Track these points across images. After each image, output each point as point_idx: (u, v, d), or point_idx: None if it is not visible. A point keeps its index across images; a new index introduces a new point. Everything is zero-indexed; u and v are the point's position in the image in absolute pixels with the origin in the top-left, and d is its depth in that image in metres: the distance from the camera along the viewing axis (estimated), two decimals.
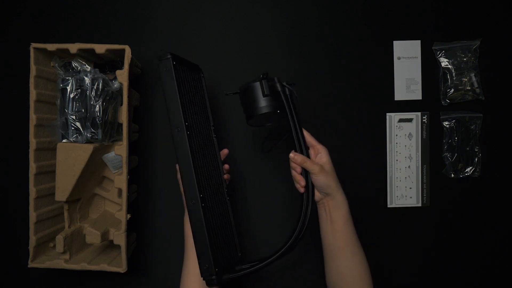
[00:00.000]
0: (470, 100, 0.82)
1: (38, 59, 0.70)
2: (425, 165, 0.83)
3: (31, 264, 0.70)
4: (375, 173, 0.82)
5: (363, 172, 0.82)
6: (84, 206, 0.78)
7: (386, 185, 0.82)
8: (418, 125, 0.82)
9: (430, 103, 0.82)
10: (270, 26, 0.82)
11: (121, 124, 0.70)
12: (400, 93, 0.82)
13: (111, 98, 0.72)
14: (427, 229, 0.82)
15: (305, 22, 0.82)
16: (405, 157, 0.82)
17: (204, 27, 0.82)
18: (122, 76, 0.68)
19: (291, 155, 0.62)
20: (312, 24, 0.82)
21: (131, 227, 0.79)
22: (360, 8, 0.82)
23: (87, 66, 0.72)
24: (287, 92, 0.62)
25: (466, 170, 0.82)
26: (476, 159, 0.82)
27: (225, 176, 0.70)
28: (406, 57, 0.82)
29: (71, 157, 0.68)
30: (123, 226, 0.69)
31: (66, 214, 0.74)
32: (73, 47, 0.69)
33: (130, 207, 0.75)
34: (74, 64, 0.72)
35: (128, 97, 0.69)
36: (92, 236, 0.70)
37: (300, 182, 0.62)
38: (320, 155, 0.61)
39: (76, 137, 0.70)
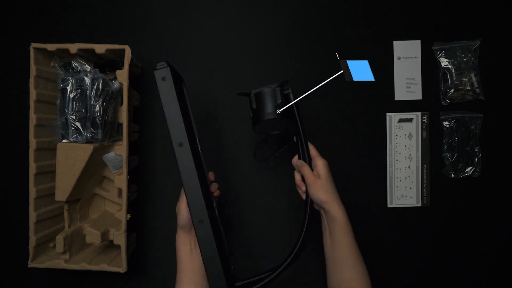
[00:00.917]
0: (470, 100, 0.82)
1: (38, 59, 0.70)
2: (425, 165, 0.83)
3: (31, 264, 0.70)
4: (375, 173, 0.82)
5: (363, 172, 0.82)
6: (84, 206, 0.78)
7: (386, 185, 0.82)
8: (418, 125, 0.82)
9: (430, 103, 0.82)
10: (270, 26, 0.82)
11: (121, 124, 0.70)
12: (400, 93, 0.82)
13: (111, 98, 0.72)
14: (427, 229, 0.82)
15: (305, 22, 0.82)
16: (405, 157, 0.82)
17: (204, 27, 0.82)
18: (122, 76, 0.68)
19: (294, 160, 0.65)
20: (312, 24, 0.82)
21: (131, 227, 0.79)
22: (360, 8, 0.82)
23: (87, 66, 0.72)
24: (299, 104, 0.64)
25: (466, 170, 0.82)
26: (476, 159, 0.82)
27: (215, 193, 0.68)
28: (406, 57, 0.82)
29: (71, 157, 0.68)
30: (123, 226, 0.69)
31: (66, 214, 0.74)
32: (73, 47, 0.69)
33: (130, 207, 0.75)
34: (74, 64, 0.72)
35: (128, 97, 0.69)
36: (92, 236, 0.70)
37: (302, 188, 0.63)
38: (317, 168, 0.61)
39: (76, 137, 0.70)
